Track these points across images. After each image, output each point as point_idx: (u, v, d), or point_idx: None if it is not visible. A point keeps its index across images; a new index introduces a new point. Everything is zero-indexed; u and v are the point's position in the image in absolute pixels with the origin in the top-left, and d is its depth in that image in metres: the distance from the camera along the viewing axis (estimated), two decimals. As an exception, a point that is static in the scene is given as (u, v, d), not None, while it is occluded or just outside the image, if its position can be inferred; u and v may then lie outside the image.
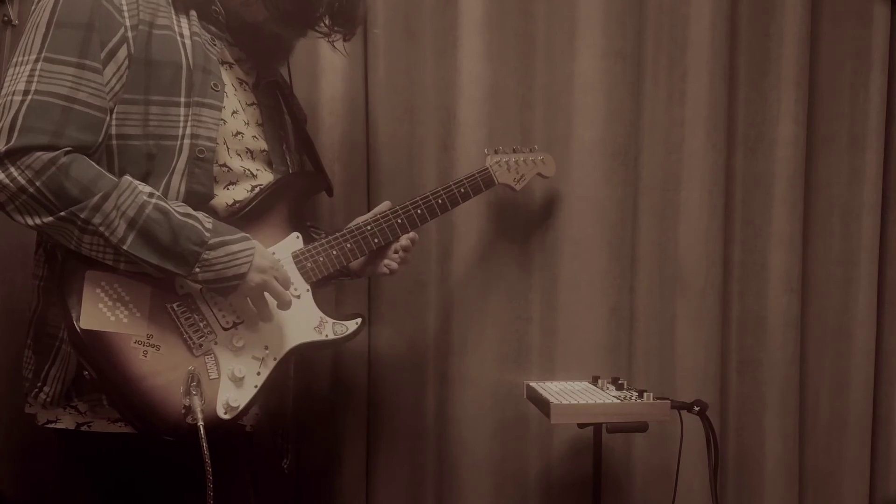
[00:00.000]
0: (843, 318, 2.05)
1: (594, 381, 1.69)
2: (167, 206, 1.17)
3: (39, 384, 1.22)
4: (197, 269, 1.18)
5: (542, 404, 1.53)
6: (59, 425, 1.23)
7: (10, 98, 1.12)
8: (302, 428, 1.77)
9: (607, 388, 1.63)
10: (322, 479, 1.85)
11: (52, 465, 1.59)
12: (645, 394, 1.54)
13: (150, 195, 1.16)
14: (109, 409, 1.20)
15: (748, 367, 2.00)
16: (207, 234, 1.19)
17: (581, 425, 1.61)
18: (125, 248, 1.14)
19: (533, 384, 1.67)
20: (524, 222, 1.87)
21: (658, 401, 1.53)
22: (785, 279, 1.96)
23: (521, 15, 1.84)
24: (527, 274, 1.87)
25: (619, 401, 1.52)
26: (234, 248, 1.21)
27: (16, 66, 1.14)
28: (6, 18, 1.31)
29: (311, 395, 1.80)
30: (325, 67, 1.80)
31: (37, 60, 1.13)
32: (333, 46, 1.41)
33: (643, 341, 1.92)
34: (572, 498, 1.86)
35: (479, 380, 1.84)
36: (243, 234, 1.24)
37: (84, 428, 1.22)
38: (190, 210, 1.20)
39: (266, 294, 1.27)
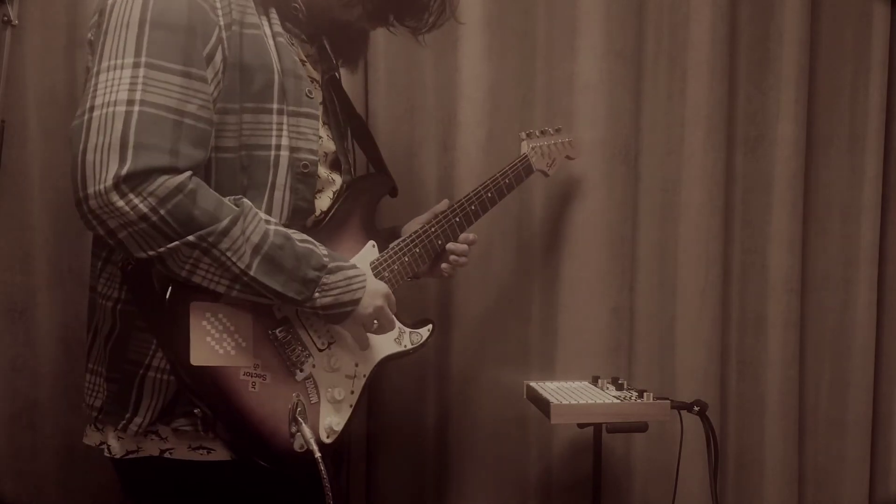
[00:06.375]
0: (843, 318, 2.05)
1: (594, 381, 1.69)
2: (287, 231, 1.11)
3: (128, 415, 1.12)
4: (317, 294, 1.12)
5: (542, 404, 1.53)
6: (141, 454, 1.13)
7: (111, 109, 0.97)
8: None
9: (607, 388, 1.63)
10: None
11: (52, 466, 1.59)
12: (645, 394, 1.53)
13: (268, 221, 1.10)
14: (192, 435, 1.12)
15: (748, 367, 2.00)
16: (326, 259, 1.14)
17: (581, 425, 1.61)
18: (251, 273, 1.06)
19: (533, 384, 1.67)
20: (524, 222, 1.87)
21: (658, 401, 1.53)
22: (785, 279, 1.96)
23: (522, 15, 1.84)
24: (527, 274, 1.87)
25: (619, 401, 1.52)
26: (350, 272, 1.17)
27: (108, 70, 1.00)
28: (6, 18, 1.30)
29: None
30: (325, 67, 1.80)
31: (136, 66, 0.99)
32: (417, 41, 1.32)
33: (643, 341, 1.92)
34: (572, 498, 1.85)
35: (479, 380, 1.84)
36: (352, 262, 1.21)
37: (167, 455, 1.13)
38: (305, 235, 1.14)
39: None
